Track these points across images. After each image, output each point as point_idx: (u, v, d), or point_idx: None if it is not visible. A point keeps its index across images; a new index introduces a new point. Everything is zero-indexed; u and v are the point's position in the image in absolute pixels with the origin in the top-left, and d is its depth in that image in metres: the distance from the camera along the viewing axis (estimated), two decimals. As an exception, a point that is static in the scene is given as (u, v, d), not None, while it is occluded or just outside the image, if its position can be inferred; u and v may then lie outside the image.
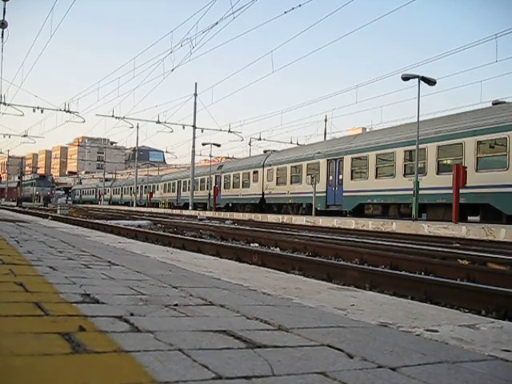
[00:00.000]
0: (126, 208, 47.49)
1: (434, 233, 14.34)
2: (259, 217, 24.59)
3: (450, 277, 5.61)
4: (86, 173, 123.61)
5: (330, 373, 1.21)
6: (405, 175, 20.12)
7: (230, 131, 38.03)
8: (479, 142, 17.10)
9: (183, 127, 37.34)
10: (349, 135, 28.95)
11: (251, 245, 10.20)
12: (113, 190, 71.33)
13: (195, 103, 36.01)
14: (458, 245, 10.45)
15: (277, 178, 29.73)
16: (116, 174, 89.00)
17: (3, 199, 75.87)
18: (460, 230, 13.68)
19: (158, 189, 52.66)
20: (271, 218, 23.45)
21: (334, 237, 12.29)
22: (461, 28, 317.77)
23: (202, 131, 37.53)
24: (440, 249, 9.01)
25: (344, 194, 23.60)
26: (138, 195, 55.11)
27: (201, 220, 22.77)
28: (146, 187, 55.84)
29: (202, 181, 40.99)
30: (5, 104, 31.52)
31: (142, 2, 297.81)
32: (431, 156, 18.98)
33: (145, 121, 49.78)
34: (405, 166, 20.28)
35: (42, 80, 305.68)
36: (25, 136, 44.15)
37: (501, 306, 4.07)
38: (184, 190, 44.14)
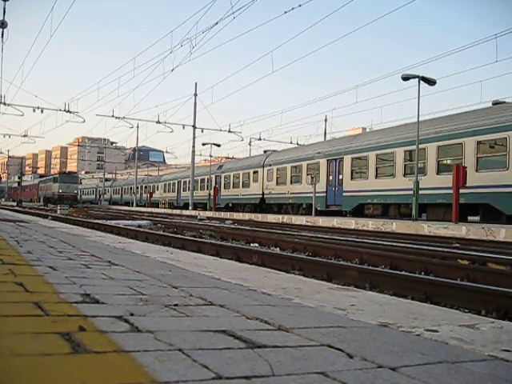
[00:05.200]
0: (126, 208, 47.51)
1: (434, 233, 14.34)
2: (259, 217, 24.59)
3: (450, 277, 5.61)
4: (86, 173, 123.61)
5: (330, 373, 1.21)
6: (405, 175, 20.12)
7: (230, 131, 38.05)
8: (479, 142, 17.10)
9: (183, 127, 37.38)
10: (349, 135, 28.93)
11: (251, 245, 10.20)
12: (113, 190, 71.28)
13: (195, 103, 36.06)
14: (458, 245, 10.44)
15: (277, 178, 29.73)
16: (116, 173, 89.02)
17: (3, 199, 74.84)
18: (460, 230, 13.68)
19: (158, 189, 52.67)
20: (271, 217, 23.45)
21: (334, 237, 12.29)
22: (461, 28, 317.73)
23: (202, 131, 37.60)
24: (440, 249, 9.00)
25: (344, 193, 23.60)
26: (138, 195, 55.10)
27: (201, 220, 22.77)
28: (146, 187, 55.84)
29: (202, 181, 40.99)
30: (5, 104, 31.54)
31: (142, 2, 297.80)
32: (431, 156, 18.98)
33: (145, 121, 49.71)
34: (405, 166, 20.28)
35: (42, 80, 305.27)
36: (25, 136, 44.22)
37: (501, 306, 4.07)
38: (184, 190, 44.15)
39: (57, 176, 60.73)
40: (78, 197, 66.65)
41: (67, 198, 55.39)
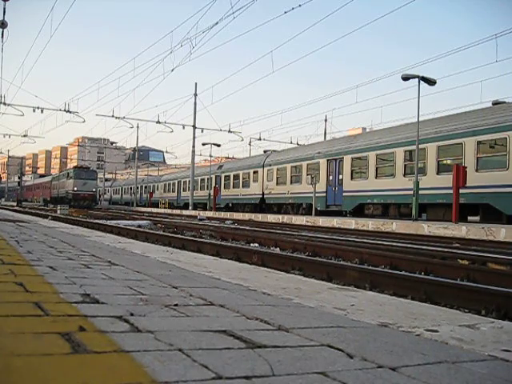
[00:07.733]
0: (126, 208, 47.48)
1: (433, 233, 14.34)
2: (259, 217, 24.58)
3: (450, 277, 5.61)
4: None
5: (330, 373, 1.21)
6: (405, 175, 20.11)
7: (230, 131, 38.06)
8: (479, 142, 17.10)
9: (183, 127, 37.39)
10: (349, 135, 28.95)
11: (251, 245, 10.20)
12: (113, 190, 71.27)
13: (195, 103, 36.05)
14: (458, 245, 10.44)
15: (277, 178, 29.72)
16: (116, 173, 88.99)
17: (3, 199, 74.50)
18: (460, 230, 13.68)
19: (158, 189, 52.64)
20: (271, 217, 23.45)
21: (334, 237, 12.29)
22: (461, 28, 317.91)
23: (202, 131, 37.60)
24: (440, 249, 9.00)
25: (344, 193, 23.60)
26: (138, 195, 55.05)
27: (201, 220, 22.76)
28: (145, 187, 55.82)
29: (202, 181, 40.99)
30: (5, 104, 31.54)
31: (142, 2, 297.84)
32: (431, 156, 18.98)
33: (145, 121, 49.89)
34: (405, 166, 20.27)
35: (42, 80, 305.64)
36: (25, 136, 44.19)
37: (501, 306, 4.07)
38: (184, 190, 44.15)
39: (71, 171, 49.03)
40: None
41: (84, 197, 45.72)
